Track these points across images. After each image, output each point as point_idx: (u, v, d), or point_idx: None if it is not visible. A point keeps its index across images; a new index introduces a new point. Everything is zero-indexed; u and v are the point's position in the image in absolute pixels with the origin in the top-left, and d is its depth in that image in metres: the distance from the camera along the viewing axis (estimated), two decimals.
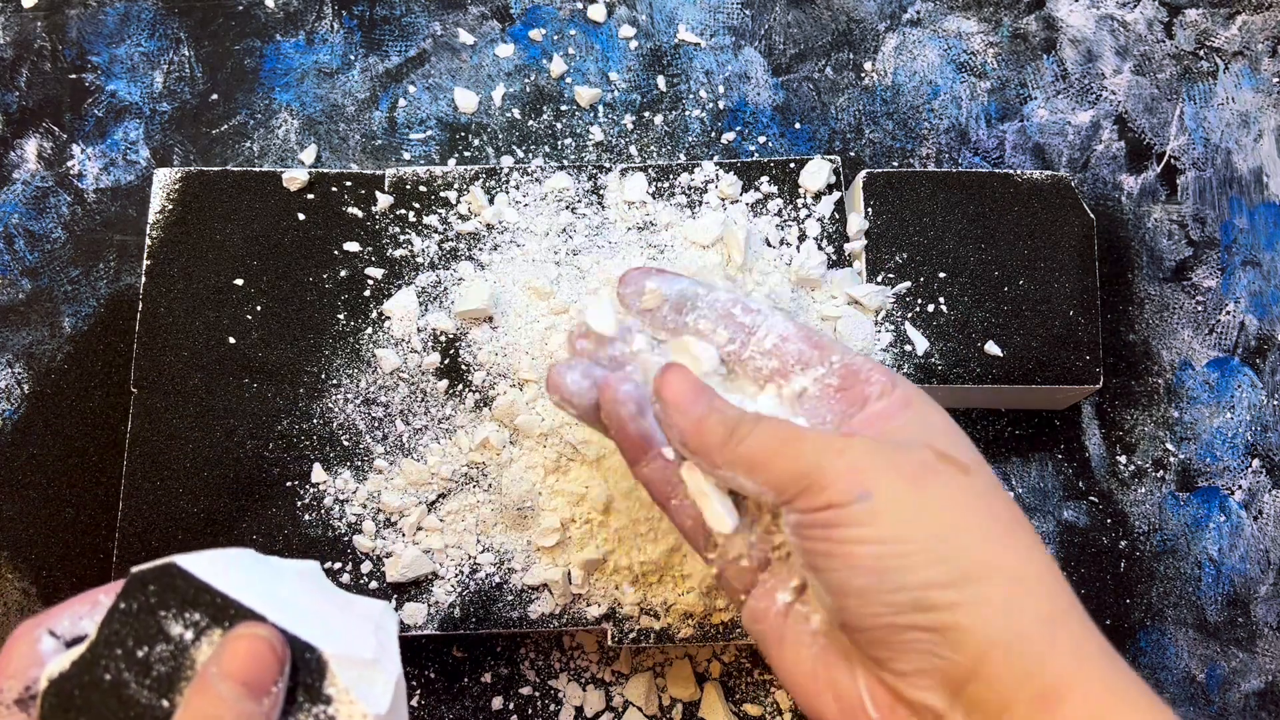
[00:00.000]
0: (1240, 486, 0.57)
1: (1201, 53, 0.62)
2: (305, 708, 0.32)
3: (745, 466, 0.35)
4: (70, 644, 0.35)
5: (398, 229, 0.53)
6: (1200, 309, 0.59)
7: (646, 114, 0.60)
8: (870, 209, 0.53)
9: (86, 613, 0.36)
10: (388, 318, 0.52)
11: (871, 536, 0.32)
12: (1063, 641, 0.31)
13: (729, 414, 0.36)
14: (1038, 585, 0.32)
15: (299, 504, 0.49)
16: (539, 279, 0.50)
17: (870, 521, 0.32)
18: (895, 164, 0.60)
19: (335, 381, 0.51)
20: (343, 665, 0.33)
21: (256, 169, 0.54)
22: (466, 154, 0.59)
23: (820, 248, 0.52)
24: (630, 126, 0.60)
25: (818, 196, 0.53)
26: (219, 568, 0.34)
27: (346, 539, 0.49)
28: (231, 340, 0.51)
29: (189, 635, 0.33)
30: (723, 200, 0.53)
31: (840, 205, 0.53)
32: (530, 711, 0.53)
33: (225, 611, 0.33)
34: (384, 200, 0.53)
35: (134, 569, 0.34)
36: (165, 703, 0.32)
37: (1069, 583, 0.33)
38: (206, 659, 0.31)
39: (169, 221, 0.53)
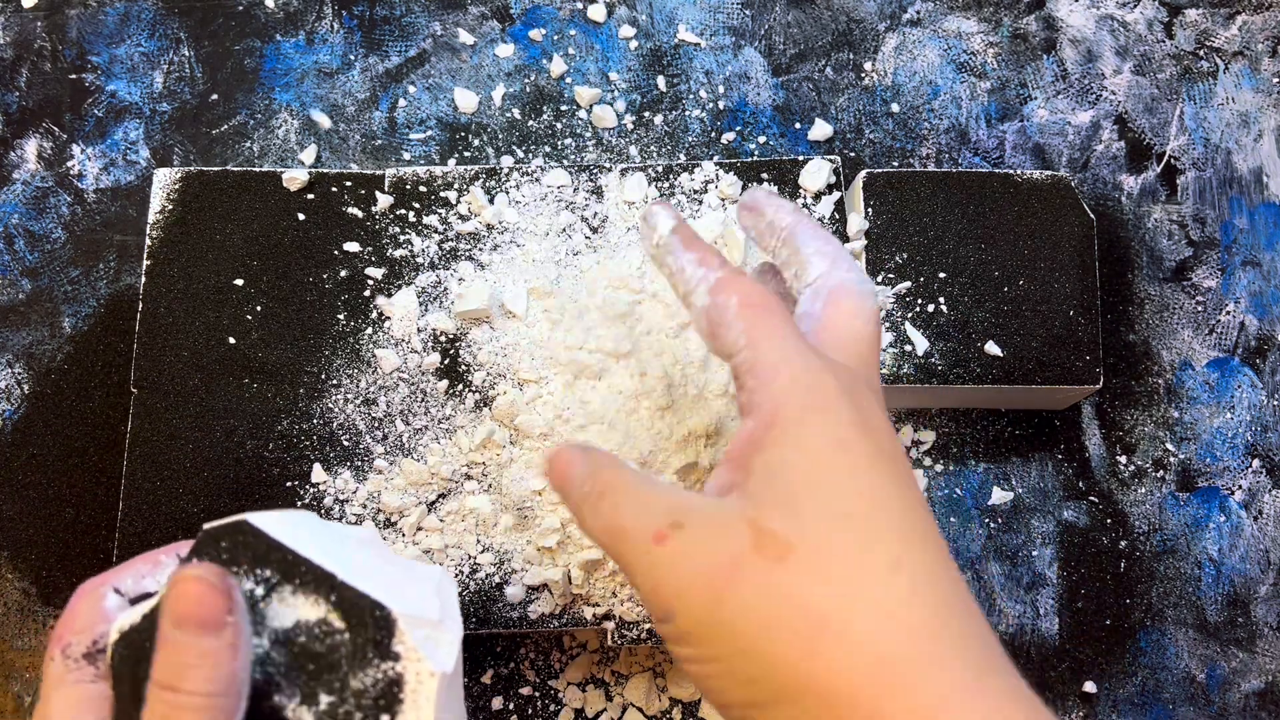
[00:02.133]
0: (1240, 486, 0.57)
1: (1201, 53, 0.62)
2: (375, 663, 0.33)
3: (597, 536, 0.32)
4: (134, 601, 0.36)
5: (398, 229, 0.53)
6: (1200, 309, 0.59)
7: (646, 114, 0.60)
8: (870, 209, 0.53)
9: (149, 572, 0.37)
10: (388, 318, 0.52)
11: (687, 655, 0.30)
12: None
13: (595, 483, 0.32)
14: (854, 701, 0.27)
15: (299, 504, 0.49)
16: (539, 279, 0.50)
17: (681, 640, 0.30)
18: (895, 164, 0.60)
19: (335, 381, 0.51)
20: (410, 624, 0.33)
21: (256, 169, 0.54)
22: (466, 154, 0.59)
23: None
24: (630, 126, 0.60)
25: (818, 196, 0.53)
26: (287, 527, 0.35)
27: None
28: (231, 340, 0.51)
29: (259, 591, 0.33)
30: (723, 200, 0.53)
31: (840, 205, 0.53)
32: (530, 712, 0.53)
33: (295, 569, 0.33)
34: (384, 200, 0.53)
35: (206, 526, 0.34)
36: None
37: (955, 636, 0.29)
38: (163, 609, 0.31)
39: (169, 221, 0.53)
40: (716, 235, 0.51)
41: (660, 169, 0.54)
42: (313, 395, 0.51)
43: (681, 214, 0.36)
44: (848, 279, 0.35)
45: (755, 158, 0.58)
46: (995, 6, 0.62)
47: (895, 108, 0.60)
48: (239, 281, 0.52)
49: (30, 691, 0.53)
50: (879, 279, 0.52)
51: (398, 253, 0.53)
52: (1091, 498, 0.56)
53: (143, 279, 0.52)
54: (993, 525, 0.56)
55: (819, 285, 0.36)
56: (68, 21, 0.61)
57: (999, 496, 0.55)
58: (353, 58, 0.61)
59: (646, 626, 0.48)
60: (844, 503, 0.29)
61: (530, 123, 0.60)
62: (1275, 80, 0.62)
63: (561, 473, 0.33)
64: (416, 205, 0.53)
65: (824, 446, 0.30)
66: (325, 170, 0.54)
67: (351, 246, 0.53)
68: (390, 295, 0.52)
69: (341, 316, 0.52)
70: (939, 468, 0.56)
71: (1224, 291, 0.59)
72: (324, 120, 0.58)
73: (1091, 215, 0.54)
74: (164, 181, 0.53)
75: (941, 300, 0.52)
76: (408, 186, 0.53)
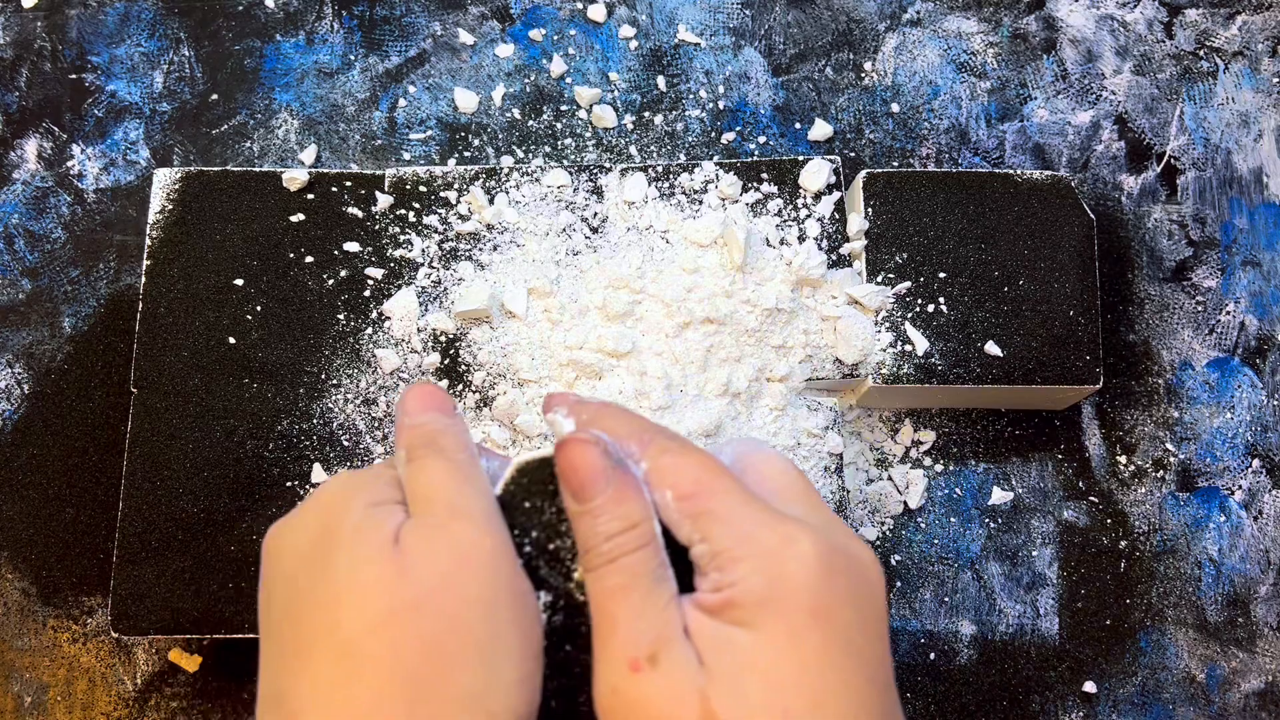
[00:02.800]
0: (1240, 486, 0.57)
1: (1201, 53, 0.62)
2: None
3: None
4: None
5: (398, 229, 0.53)
6: (1200, 309, 0.59)
7: (646, 114, 0.60)
8: (870, 209, 0.53)
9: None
10: (388, 318, 0.52)
11: None
12: None
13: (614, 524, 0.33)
14: None
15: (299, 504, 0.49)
16: (539, 279, 0.50)
17: None
18: (895, 164, 0.60)
19: (335, 381, 0.51)
20: None
21: (256, 169, 0.54)
22: (466, 154, 0.59)
23: (820, 248, 0.52)
24: (630, 126, 0.60)
25: (818, 196, 0.53)
26: None
27: None
28: (231, 340, 0.51)
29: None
30: (723, 200, 0.53)
31: (840, 205, 0.53)
32: None
33: None
34: (384, 200, 0.53)
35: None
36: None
37: None
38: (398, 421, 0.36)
39: (169, 221, 0.53)
40: (716, 235, 0.51)
41: (660, 169, 0.54)
42: (313, 395, 0.51)
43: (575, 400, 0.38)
44: (741, 448, 0.37)
45: (755, 158, 0.58)
46: (995, 6, 0.62)
47: (895, 108, 0.60)
48: (239, 281, 0.52)
49: (30, 691, 0.53)
50: (879, 279, 0.52)
51: (398, 253, 0.53)
52: (1091, 498, 0.56)
53: (143, 279, 0.52)
54: (993, 525, 0.56)
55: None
56: (68, 21, 0.61)
57: (999, 496, 0.55)
58: (353, 58, 0.61)
59: None
60: (786, 697, 0.30)
61: (530, 123, 0.60)
62: (1275, 80, 0.62)
63: (584, 483, 0.33)
64: (416, 205, 0.53)
65: (777, 635, 0.30)
66: (325, 170, 0.54)
67: (351, 246, 0.53)
68: (390, 295, 0.52)
69: (341, 316, 0.52)
70: (939, 468, 0.56)
71: (1224, 291, 0.59)
72: (469, 101, 0.58)
73: (1091, 215, 0.54)
74: (164, 181, 0.53)
75: (941, 300, 0.52)
76: (408, 186, 0.53)
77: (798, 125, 0.60)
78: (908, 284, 0.52)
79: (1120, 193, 0.60)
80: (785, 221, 0.53)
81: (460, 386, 0.50)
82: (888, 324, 0.52)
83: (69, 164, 0.58)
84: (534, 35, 0.61)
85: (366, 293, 0.52)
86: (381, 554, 0.32)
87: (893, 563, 0.55)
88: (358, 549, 0.32)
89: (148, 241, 0.52)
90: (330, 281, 0.52)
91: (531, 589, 0.33)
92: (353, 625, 0.31)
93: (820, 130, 0.60)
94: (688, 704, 0.30)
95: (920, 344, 0.51)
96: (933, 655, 0.54)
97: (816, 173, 0.53)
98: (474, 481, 0.34)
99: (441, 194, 0.53)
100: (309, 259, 0.53)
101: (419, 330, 0.51)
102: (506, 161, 0.59)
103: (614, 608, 0.32)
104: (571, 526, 0.34)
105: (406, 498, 0.34)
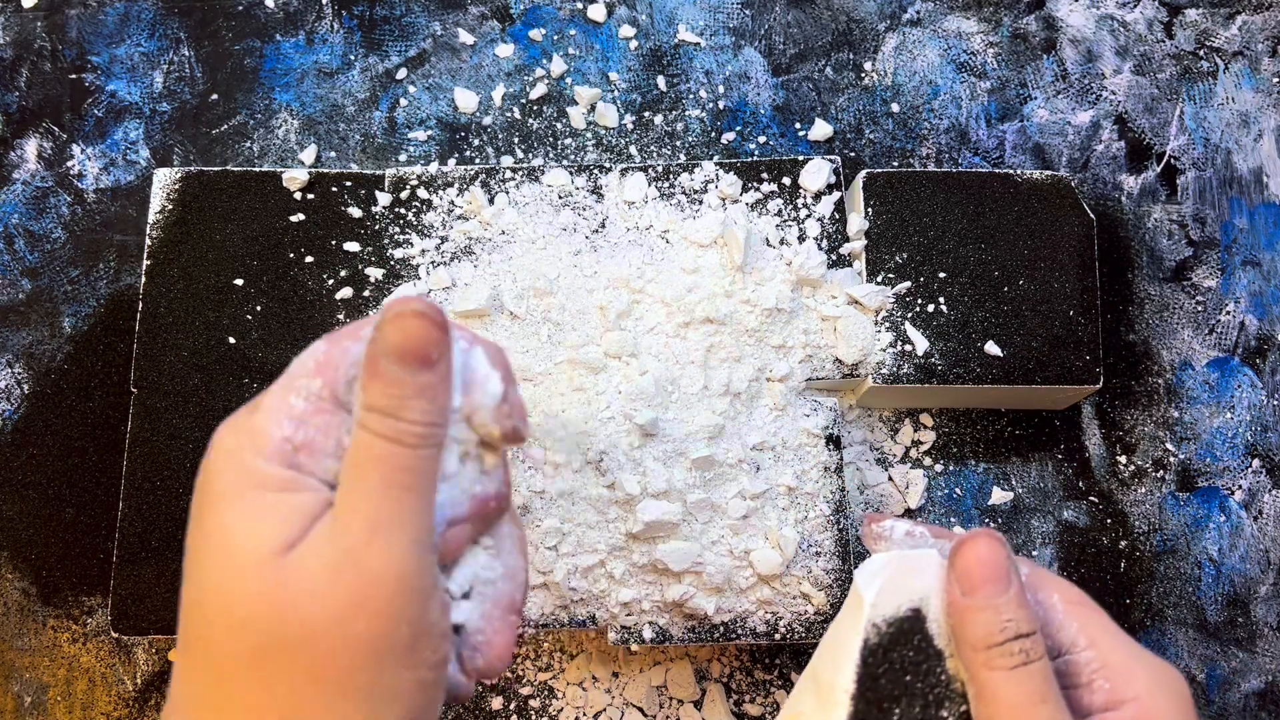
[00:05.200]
0: (1240, 486, 0.57)
1: (1201, 53, 0.62)
2: None
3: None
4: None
5: (398, 229, 0.53)
6: (1200, 309, 0.59)
7: (646, 114, 0.60)
8: (870, 209, 0.53)
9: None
10: None
11: None
12: None
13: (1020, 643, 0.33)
14: None
15: None
16: (539, 279, 0.50)
17: None
18: (895, 164, 0.60)
19: None
20: None
21: (256, 169, 0.54)
22: (466, 154, 0.59)
23: (820, 248, 0.52)
24: (630, 126, 0.60)
25: (818, 196, 0.53)
26: None
27: None
28: (231, 340, 0.51)
29: None
30: (723, 200, 0.53)
31: (840, 205, 0.53)
32: (530, 712, 0.53)
33: None
34: (384, 200, 0.53)
35: None
36: None
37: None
38: (369, 346, 0.31)
39: (169, 221, 0.53)
40: (716, 235, 0.51)
41: (660, 169, 0.54)
42: None
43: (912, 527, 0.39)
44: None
45: (755, 158, 0.58)
46: (995, 6, 0.62)
47: (895, 108, 0.60)
48: (239, 281, 0.52)
49: (30, 691, 0.53)
50: (879, 279, 0.52)
51: (398, 253, 0.53)
52: (1091, 498, 0.56)
53: (143, 279, 0.52)
54: (993, 525, 0.56)
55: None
56: (68, 21, 0.61)
57: (999, 496, 0.55)
58: (353, 58, 0.61)
59: (647, 628, 0.48)
60: None
61: (530, 123, 0.60)
62: (1275, 80, 0.62)
63: (997, 575, 0.34)
64: (416, 205, 0.53)
65: None
66: (325, 170, 0.54)
67: (351, 246, 0.53)
68: (390, 296, 0.52)
69: (341, 316, 0.52)
70: (939, 468, 0.56)
71: (1224, 291, 0.59)
72: (469, 101, 0.58)
73: (1091, 215, 0.54)
74: (164, 181, 0.53)
75: (941, 300, 0.52)
76: (408, 186, 0.53)
77: (798, 125, 0.60)
78: (908, 284, 0.52)
79: (1120, 193, 0.60)
80: (785, 221, 0.53)
81: None
82: (888, 324, 0.52)
83: (69, 164, 0.58)
84: (534, 35, 0.61)
85: (366, 293, 0.52)
86: (259, 570, 0.28)
87: None
88: (233, 554, 0.29)
89: (148, 241, 0.52)
90: (330, 281, 0.52)
91: (439, 622, 0.30)
92: (223, 649, 0.28)
93: (820, 130, 0.60)
94: None
95: (920, 344, 0.51)
96: None
97: (816, 173, 0.53)
98: (422, 482, 0.30)
99: (441, 194, 0.53)
100: (309, 259, 0.53)
101: None
102: (506, 161, 0.59)
103: (1038, 712, 0.32)
104: (958, 618, 0.34)
105: (339, 469, 0.31)
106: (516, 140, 0.59)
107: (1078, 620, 0.35)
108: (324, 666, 0.28)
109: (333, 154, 0.59)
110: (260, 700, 0.28)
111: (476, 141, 0.59)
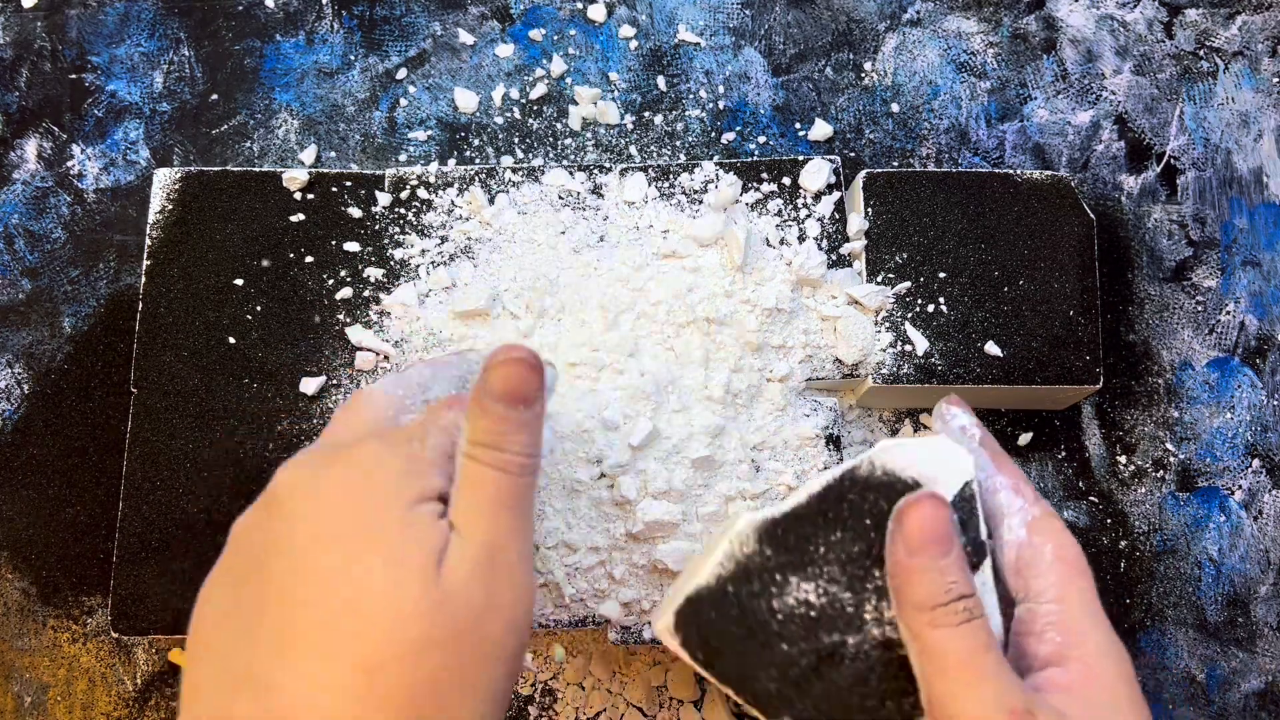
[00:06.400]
0: (1240, 486, 0.57)
1: (1201, 53, 0.62)
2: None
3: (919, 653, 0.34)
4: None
5: (398, 229, 0.53)
6: (1200, 309, 0.59)
7: (646, 114, 0.60)
8: (870, 209, 0.53)
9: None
10: (387, 313, 0.52)
11: None
12: None
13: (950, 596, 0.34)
14: None
15: None
16: (539, 279, 0.50)
17: None
18: (895, 164, 0.60)
19: (335, 381, 0.51)
20: None
21: (256, 169, 0.54)
22: (466, 154, 0.59)
23: (820, 248, 0.52)
24: (630, 126, 0.60)
25: (818, 196, 0.53)
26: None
27: None
28: (231, 340, 0.51)
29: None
30: (722, 201, 0.53)
31: (840, 205, 0.53)
32: (530, 712, 0.53)
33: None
34: (384, 200, 0.53)
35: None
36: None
37: None
38: (476, 388, 0.35)
39: (169, 221, 0.53)
40: (717, 235, 0.51)
41: (660, 169, 0.54)
42: (313, 395, 0.51)
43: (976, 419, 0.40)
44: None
45: (755, 158, 0.58)
46: (995, 6, 0.62)
47: (895, 108, 0.60)
48: (239, 281, 0.52)
49: (30, 691, 0.53)
50: (879, 279, 0.52)
51: (398, 253, 0.53)
52: (1091, 498, 0.56)
53: (143, 279, 0.52)
54: None
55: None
56: (68, 21, 0.61)
57: None
58: (353, 58, 0.61)
59: (646, 629, 0.48)
60: None
61: (530, 123, 0.60)
62: (1275, 80, 0.62)
63: (938, 538, 0.35)
64: (416, 205, 0.53)
65: (1104, 707, 0.34)
66: (325, 170, 0.54)
67: (351, 246, 0.53)
68: (390, 294, 0.52)
69: (341, 316, 0.52)
70: None
71: (1224, 291, 0.59)
72: (469, 101, 0.58)
73: (1091, 215, 0.54)
74: (164, 181, 0.53)
75: (941, 300, 0.52)
76: (408, 186, 0.53)
77: (798, 125, 0.60)
78: (908, 284, 0.52)
79: (1120, 193, 0.60)
80: (785, 221, 0.53)
81: None
82: (888, 324, 0.52)
83: (69, 164, 0.58)
84: (534, 35, 0.61)
85: (366, 293, 0.52)
86: (424, 577, 0.32)
87: None
88: (402, 563, 0.32)
89: (148, 241, 0.52)
90: (330, 281, 0.52)
91: (526, 631, 0.35)
92: (380, 646, 0.31)
93: (820, 130, 0.60)
94: None
95: (920, 344, 0.51)
96: None
97: (816, 173, 0.53)
98: (523, 505, 0.35)
99: (441, 194, 0.53)
100: (309, 259, 0.53)
101: (419, 330, 0.51)
102: (506, 161, 0.59)
103: (982, 663, 0.33)
104: (901, 578, 0.35)
105: (451, 491, 0.35)
106: (516, 140, 0.59)
107: (1056, 574, 0.36)
108: (460, 665, 0.32)
109: (333, 154, 0.59)
110: (405, 694, 0.31)
111: (476, 141, 0.59)
